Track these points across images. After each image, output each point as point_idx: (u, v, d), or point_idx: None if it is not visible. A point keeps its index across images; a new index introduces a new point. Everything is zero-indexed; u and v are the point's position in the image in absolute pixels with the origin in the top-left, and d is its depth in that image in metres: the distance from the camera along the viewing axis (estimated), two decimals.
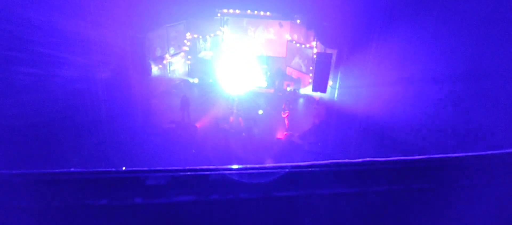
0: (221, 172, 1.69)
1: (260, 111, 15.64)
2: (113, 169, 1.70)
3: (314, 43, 16.01)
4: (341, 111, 13.84)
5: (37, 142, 11.75)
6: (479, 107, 9.10)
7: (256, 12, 16.42)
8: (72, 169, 1.66)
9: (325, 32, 13.10)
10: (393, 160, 1.83)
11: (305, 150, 14.12)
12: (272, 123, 15.18)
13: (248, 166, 1.76)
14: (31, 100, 11.02)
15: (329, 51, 14.25)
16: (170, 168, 1.72)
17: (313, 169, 1.78)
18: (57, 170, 1.63)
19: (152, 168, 1.72)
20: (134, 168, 1.71)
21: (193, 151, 13.23)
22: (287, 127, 15.06)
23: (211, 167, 1.75)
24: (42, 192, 1.53)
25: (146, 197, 1.59)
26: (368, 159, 1.80)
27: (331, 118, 14.61)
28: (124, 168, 1.71)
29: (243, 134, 14.55)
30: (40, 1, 10.69)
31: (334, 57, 14.20)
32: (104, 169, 1.69)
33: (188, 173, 1.68)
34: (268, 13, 16.38)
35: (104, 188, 1.59)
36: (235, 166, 1.76)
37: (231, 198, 1.63)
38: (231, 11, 16.80)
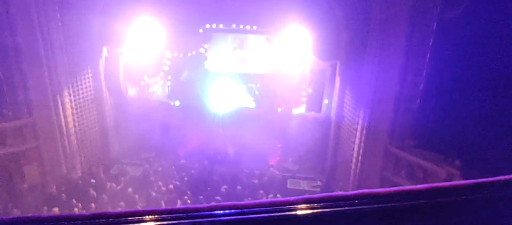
0: (190, 220, 1.55)
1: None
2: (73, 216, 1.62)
3: (306, 59, 15.54)
4: (338, 131, 13.32)
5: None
6: (491, 121, 8.76)
7: (241, 26, 15.84)
8: (21, 217, 1.52)
9: (317, 46, 12.73)
10: (390, 192, 1.65)
11: (299, 177, 13.47)
12: (264, 147, 14.30)
13: (224, 210, 1.58)
14: None
15: (322, 66, 13.84)
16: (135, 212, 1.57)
17: (299, 211, 1.59)
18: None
19: (118, 212, 1.60)
20: (95, 213, 1.56)
21: (177, 183, 12.30)
22: (280, 153, 14.47)
23: (181, 212, 1.58)
24: None
25: None
26: (364, 190, 1.65)
27: (327, 139, 14.04)
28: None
29: (230, 158, 13.82)
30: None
31: (328, 74, 13.78)
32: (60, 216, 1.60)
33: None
34: (254, 28, 15.87)
35: None
36: (210, 208, 1.59)
37: None
38: (214, 26, 16.21)
